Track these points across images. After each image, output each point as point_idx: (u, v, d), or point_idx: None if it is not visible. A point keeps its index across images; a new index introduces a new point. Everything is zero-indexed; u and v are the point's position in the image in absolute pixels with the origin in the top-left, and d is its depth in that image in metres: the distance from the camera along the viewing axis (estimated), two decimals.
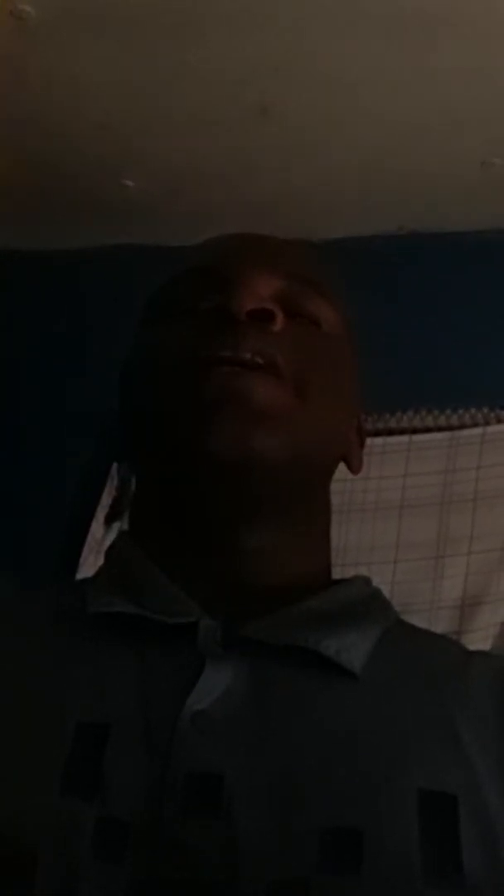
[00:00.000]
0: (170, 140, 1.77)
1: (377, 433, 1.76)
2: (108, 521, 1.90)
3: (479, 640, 1.63)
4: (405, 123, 1.71)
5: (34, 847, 0.45)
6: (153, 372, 0.60)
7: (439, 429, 1.84)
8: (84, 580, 0.63)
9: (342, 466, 0.66)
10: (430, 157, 1.79)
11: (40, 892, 0.44)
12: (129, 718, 0.50)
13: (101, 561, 0.64)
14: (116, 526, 1.85)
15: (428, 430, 1.85)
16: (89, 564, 1.76)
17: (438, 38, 1.51)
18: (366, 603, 0.60)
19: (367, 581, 0.63)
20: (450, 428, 1.84)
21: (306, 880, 0.45)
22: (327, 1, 1.44)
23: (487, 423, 1.83)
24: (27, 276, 2.04)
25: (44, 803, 0.47)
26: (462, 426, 1.83)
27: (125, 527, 0.67)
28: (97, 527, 1.87)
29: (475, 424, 1.83)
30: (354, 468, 0.67)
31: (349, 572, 0.63)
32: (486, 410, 1.84)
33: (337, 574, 0.63)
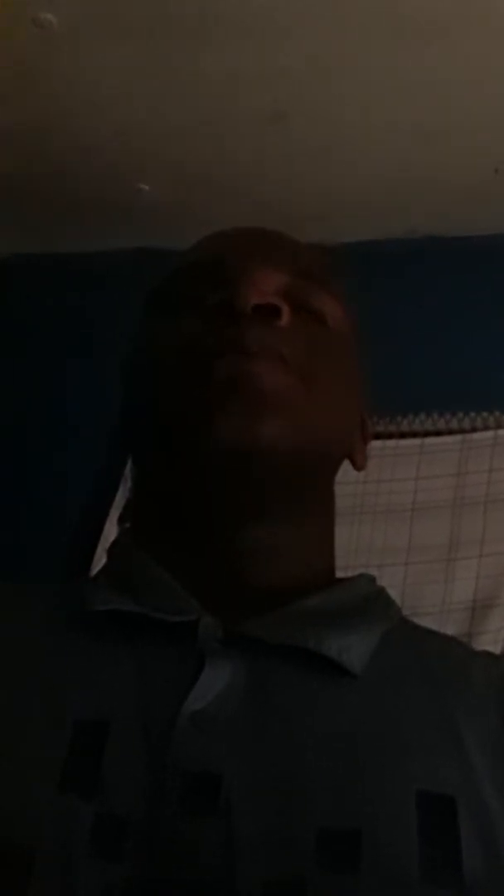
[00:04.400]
0: (184, 145, 1.78)
1: (389, 436, 1.76)
2: (122, 522, 1.89)
3: (489, 642, 1.63)
4: (418, 129, 1.71)
5: (32, 844, 0.45)
6: (158, 364, 0.59)
7: (451, 432, 1.84)
8: (85, 579, 0.63)
9: (348, 468, 0.65)
10: (442, 163, 1.79)
11: (38, 889, 0.44)
12: (128, 716, 0.50)
13: None
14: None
15: (439, 433, 1.85)
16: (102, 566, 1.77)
17: (451, 44, 1.52)
18: (368, 602, 0.60)
19: (371, 580, 0.62)
20: (461, 431, 1.84)
21: (303, 879, 0.45)
22: (340, 8, 1.45)
23: (499, 427, 1.83)
24: (44, 280, 2.06)
25: (42, 800, 0.47)
26: (474, 429, 1.84)
27: None
28: (111, 528, 1.87)
29: (486, 428, 1.84)
30: (359, 465, 0.66)
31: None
32: (497, 414, 1.84)
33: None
